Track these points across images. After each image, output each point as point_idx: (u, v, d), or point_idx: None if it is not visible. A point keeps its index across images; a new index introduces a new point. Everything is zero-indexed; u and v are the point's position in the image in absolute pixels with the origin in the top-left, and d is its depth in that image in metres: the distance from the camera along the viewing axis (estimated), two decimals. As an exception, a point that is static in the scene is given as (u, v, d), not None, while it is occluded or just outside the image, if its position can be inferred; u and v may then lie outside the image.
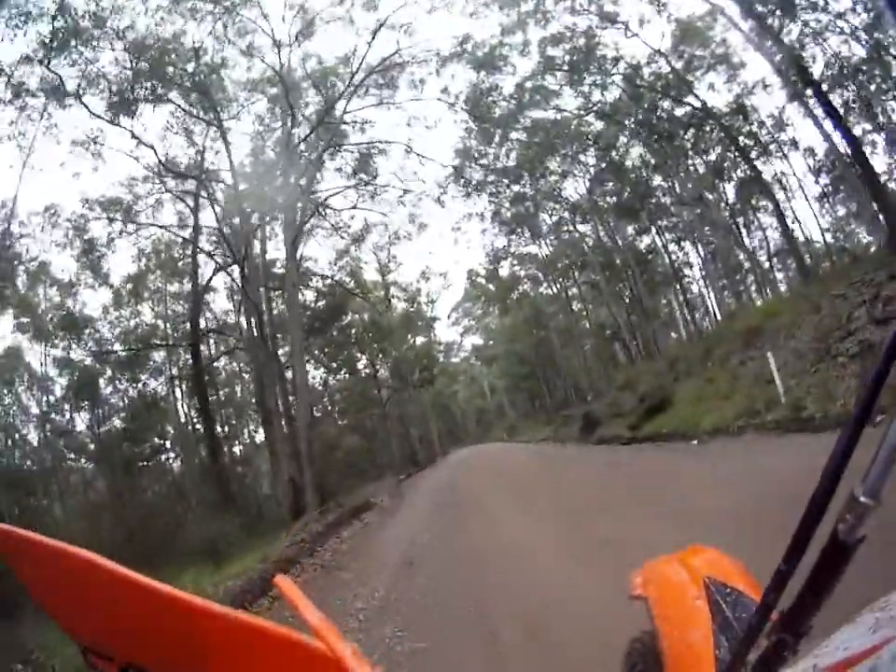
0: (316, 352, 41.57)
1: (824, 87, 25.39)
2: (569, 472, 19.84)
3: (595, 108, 35.97)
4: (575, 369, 49.74)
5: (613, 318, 43.41)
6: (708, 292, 41.03)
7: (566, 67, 34.70)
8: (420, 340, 52.17)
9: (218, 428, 38.76)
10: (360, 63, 32.68)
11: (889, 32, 23.93)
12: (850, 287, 16.92)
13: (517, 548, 10.15)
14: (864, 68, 27.09)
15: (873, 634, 0.86)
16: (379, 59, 33.23)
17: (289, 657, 0.99)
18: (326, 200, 35.54)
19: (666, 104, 34.17)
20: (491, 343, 65.64)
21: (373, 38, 32.19)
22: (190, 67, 29.63)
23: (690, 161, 35.70)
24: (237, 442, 42.79)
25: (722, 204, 36.34)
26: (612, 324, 44.64)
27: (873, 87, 27.60)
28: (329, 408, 45.53)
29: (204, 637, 1.02)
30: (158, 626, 1.04)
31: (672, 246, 41.10)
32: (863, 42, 26.24)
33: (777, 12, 26.04)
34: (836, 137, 26.01)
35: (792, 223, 32.85)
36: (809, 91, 25.95)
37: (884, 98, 27.81)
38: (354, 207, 36.63)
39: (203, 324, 36.22)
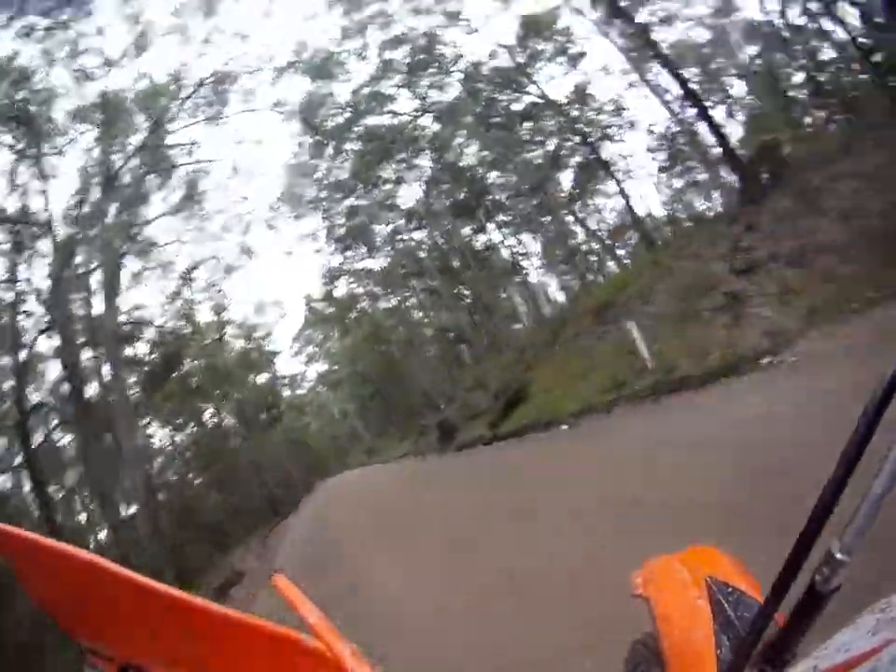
0: (159, 409, 38.20)
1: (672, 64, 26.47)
2: (429, 489, 18.82)
3: (431, 109, 35.36)
4: (422, 377, 48.61)
5: (455, 320, 42.93)
6: (550, 279, 41.98)
7: (404, 70, 33.91)
8: (263, 377, 49.72)
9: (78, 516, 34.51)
10: (188, 77, 30.81)
11: (733, 18, 28.03)
12: (703, 245, 17.39)
13: (378, 597, 9.17)
14: (709, 51, 29.83)
15: (872, 636, 0.86)
16: (211, 71, 31.55)
17: (289, 657, 1.00)
18: (149, 234, 32.94)
19: (505, 98, 34.14)
20: (336, 367, 63.66)
21: (205, 44, 29.92)
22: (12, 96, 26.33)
23: (527, 154, 35.65)
24: (101, 528, 38.12)
25: (561, 192, 36.88)
26: (455, 326, 43.97)
27: (714, 66, 30.39)
28: (183, 468, 42.14)
29: (204, 637, 1.03)
30: (158, 626, 1.06)
31: (510, 240, 41.16)
32: (708, 27, 29.18)
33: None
34: (676, 112, 28.02)
35: (632, 200, 33.87)
36: (654, 71, 27.43)
37: (724, 77, 30.83)
38: (179, 241, 34.11)
39: (35, 398, 31.46)
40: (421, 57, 33.16)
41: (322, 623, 1.04)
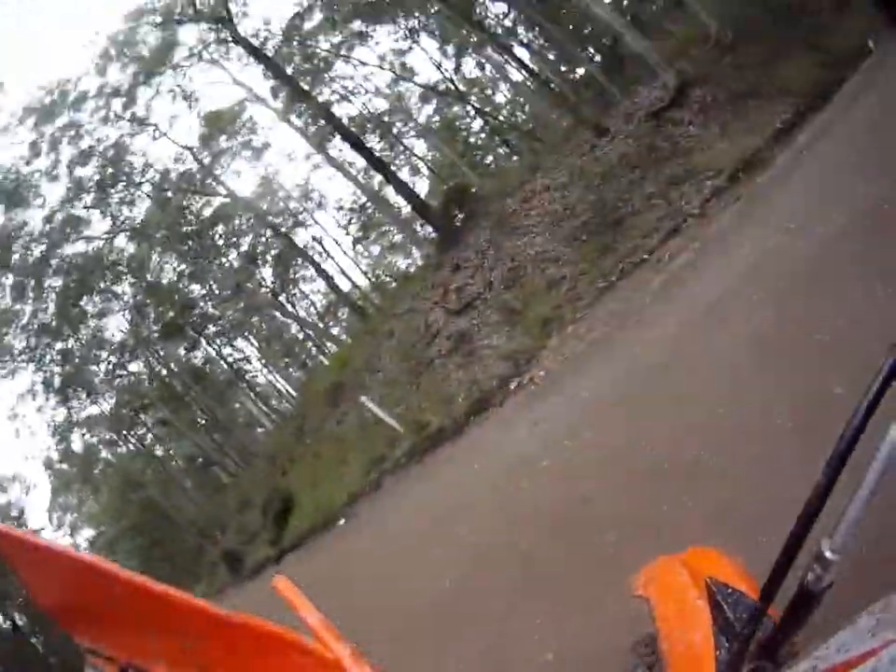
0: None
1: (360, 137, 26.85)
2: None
3: (124, 228, 32.45)
4: (189, 512, 45.02)
5: (197, 445, 40.30)
6: (276, 376, 40.17)
7: (95, 187, 30.75)
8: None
9: None
10: None
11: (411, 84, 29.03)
12: (415, 299, 17.53)
13: None
14: (389, 118, 30.39)
15: (872, 637, 0.85)
16: None
17: (289, 657, 1.00)
18: None
19: (195, 203, 32.74)
20: (102, 528, 57.41)
21: None
22: None
23: (224, 258, 34.16)
24: None
25: (265, 289, 35.51)
26: (199, 451, 41.25)
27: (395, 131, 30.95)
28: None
29: (205, 638, 1.04)
30: (158, 626, 1.06)
31: (227, 349, 39.13)
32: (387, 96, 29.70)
33: (309, 82, 26.87)
34: (363, 183, 29.19)
35: (335, 279, 33.98)
36: (338, 148, 27.86)
37: (406, 139, 31.56)
38: None
39: None
40: (110, 171, 30.62)
41: (322, 623, 1.02)
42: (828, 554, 0.84)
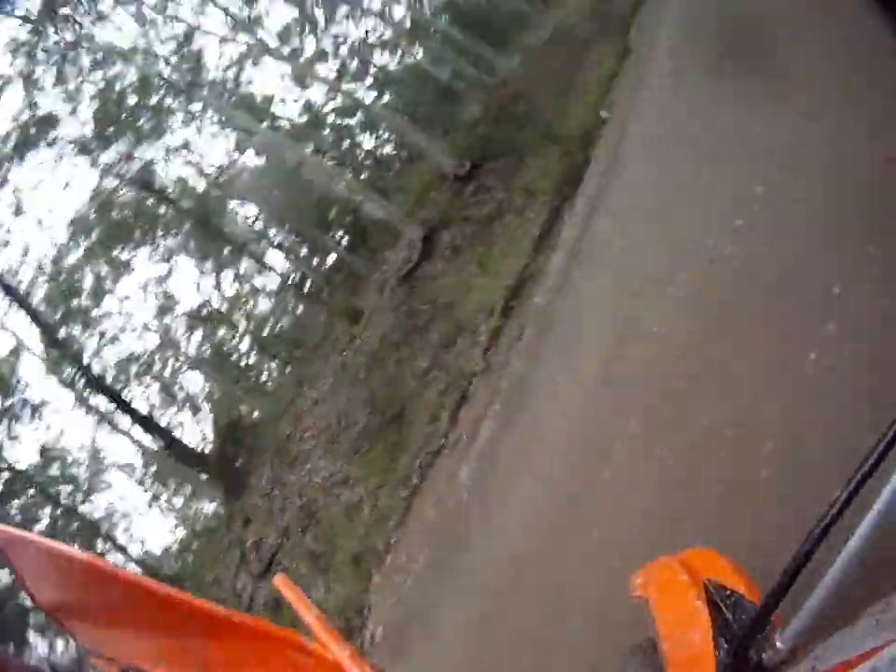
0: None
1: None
2: None
3: None
4: None
5: None
6: None
7: None
8: None
9: None
10: None
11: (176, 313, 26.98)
12: (219, 569, 15.67)
13: None
14: (158, 355, 27.95)
15: (872, 637, 0.86)
16: None
17: (289, 657, 1.01)
18: None
19: None
20: None
21: None
22: None
23: None
24: None
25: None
26: None
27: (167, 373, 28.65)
28: None
29: (205, 638, 1.01)
30: (158, 626, 1.02)
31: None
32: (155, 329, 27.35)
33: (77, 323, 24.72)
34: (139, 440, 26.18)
35: (143, 544, 27.89)
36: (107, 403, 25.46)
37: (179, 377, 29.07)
38: None
39: None
40: None
41: (322, 624, 1.02)
42: (779, 645, 0.89)
